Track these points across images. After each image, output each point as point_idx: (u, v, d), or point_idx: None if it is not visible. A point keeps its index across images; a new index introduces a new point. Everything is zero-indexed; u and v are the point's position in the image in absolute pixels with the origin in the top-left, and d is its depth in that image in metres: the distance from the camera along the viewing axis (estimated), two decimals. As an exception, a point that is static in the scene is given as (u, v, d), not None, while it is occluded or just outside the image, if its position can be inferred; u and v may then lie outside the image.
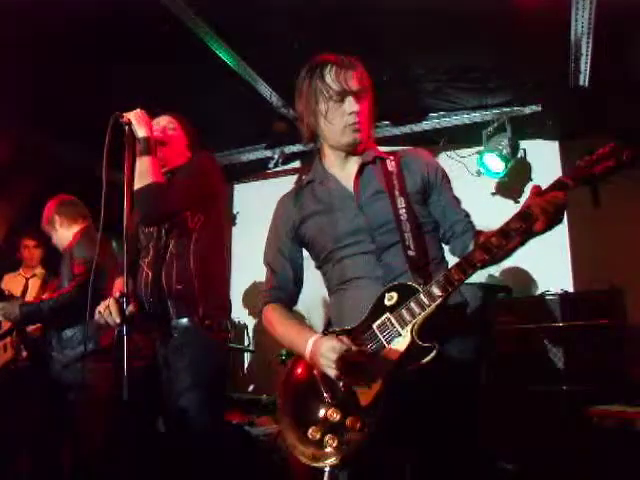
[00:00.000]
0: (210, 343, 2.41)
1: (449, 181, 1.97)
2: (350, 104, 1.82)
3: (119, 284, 2.44)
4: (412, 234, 1.78)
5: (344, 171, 1.94)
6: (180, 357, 2.34)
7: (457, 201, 1.95)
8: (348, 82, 1.83)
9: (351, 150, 1.92)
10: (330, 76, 1.84)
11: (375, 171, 1.91)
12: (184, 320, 2.39)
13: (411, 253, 1.77)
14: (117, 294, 2.22)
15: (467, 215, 1.93)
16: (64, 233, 3.55)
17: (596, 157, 1.57)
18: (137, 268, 2.50)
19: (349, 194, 1.89)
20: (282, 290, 2.00)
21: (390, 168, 1.89)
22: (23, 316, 3.31)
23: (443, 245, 1.94)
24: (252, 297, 5.51)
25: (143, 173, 2.27)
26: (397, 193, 1.84)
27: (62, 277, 3.47)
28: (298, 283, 2.03)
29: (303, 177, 2.06)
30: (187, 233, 2.45)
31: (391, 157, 1.93)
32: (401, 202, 1.82)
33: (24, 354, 3.79)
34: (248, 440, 3.37)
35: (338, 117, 1.84)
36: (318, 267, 2.01)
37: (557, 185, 1.58)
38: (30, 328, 3.63)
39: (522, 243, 1.69)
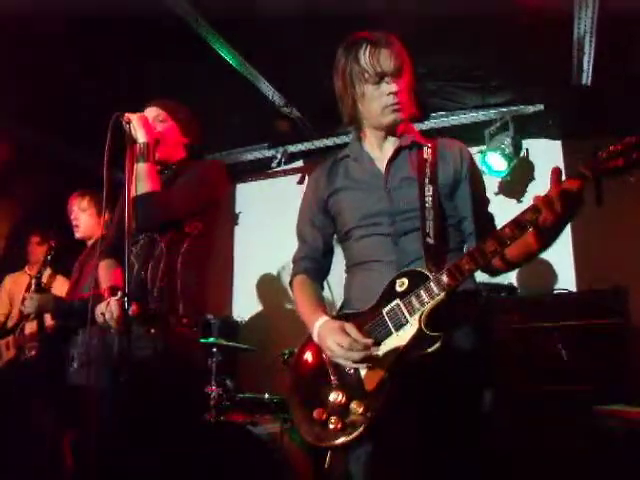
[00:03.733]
0: (186, 340, 2.41)
1: (480, 180, 1.95)
2: (387, 85, 1.82)
3: (113, 277, 2.44)
4: (434, 223, 1.76)
5: (380, 152, 1.94)
6: (155, 351, 2.33)
7: (482, 201, 1.92)
8: (383, 62, 1.81)
9: (391, 130, 1.91)
10: (365, 57, 1.82)
11: (410, 156, 1.90)
12: (163, 316, 2.37)
13: (429, 241, 1.75)
14: (119, 294, 2.22)
15: (488, 218, 1.90)
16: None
17: (621, 148, 1.46)
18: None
19: (380, 175, 1.89)
20: (311, 260, 2.03)
21: (426, 156, 1.88)
22: (54, 311, 3.32)
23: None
24: (254, 296, 5.52)
25: (140, 180, 2.27)
26: (427, 181, 1.82)
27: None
28: (328, 253, 2.06)
29: (339, 152, 2.06)
30: (181, 236, 2.44)
31: (429, 144, 1.91)
32: (429, 190, 1.80)
33: (32, 353, 3.80)
34: (250, 439, 3.37)
35: (376, 99, 1.84)
36: (339, 242, 2.02)
37: (577, 175, 1.52)
38: (48, 324, 3.63)
39: (544, 243, 1.63)
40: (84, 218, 3.61)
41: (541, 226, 1.54)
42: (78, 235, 3.65)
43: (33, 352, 3.78)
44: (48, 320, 3.63)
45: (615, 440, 2.78)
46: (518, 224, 1.56)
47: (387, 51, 1.82)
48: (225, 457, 3.26)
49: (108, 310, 2.24)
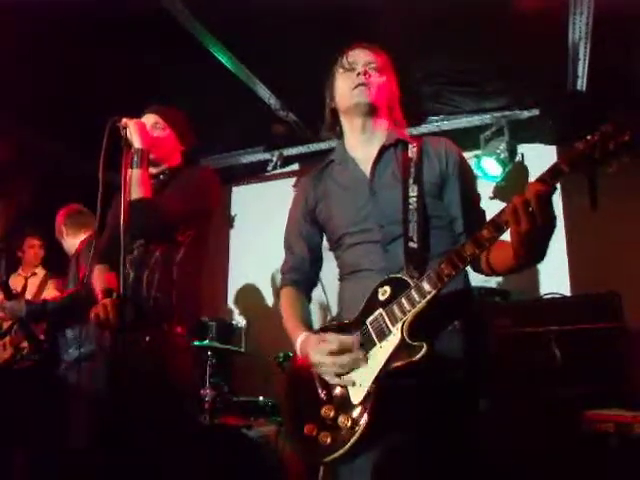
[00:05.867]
0: (179, 348, 2.41)
1: (468, 175, 1.90)
2: (358, 67, 1.89)
3: (107, 281, 2.45)
4: (417, 226, 1.71)
5: (364, 154, 1.91)
6: (148, 360, 2.33)
7: (473, 198, 1.86)
8: (358, 56, 1.91)
9: (365, 113, 1.89)
10: (347, 55, 1.93)
11: (394, 156, 1.87)
12: (158, 325, 2.38)
13: (412, 245, 1.70)
14: (114, 295, 2.23)
15: (480, 215, 1.82)
16: (71, 241, 3.70)
17: (598, 138, 1.38)
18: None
19: (364, 178, 1.86)
20: (298, 271, 2.02)
21: (410, 154, 1.84)
22: (28, 314, 3.36)
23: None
24: (249, 299, 5.52)
25: (132, 186, 2.28)
26: (411, 181, 1.78)
27: (69, 281, 3.56)
28: (316, 263, 2.04)
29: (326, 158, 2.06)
30: (175, 245, 2.45)
31: (414, 143, 1.88)
32: (413, 191, 1.76)
33: (24, 351, 3.84)
34: (245, 442, 3.36)
35: (348, 80, 1.89)
36: (330, 250, 1.99)
37: (552, 171, 1.45)
38: (35, 326, 3.67)
39: (525, 255, 1.48)
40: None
41: (520, 232, 1.43)
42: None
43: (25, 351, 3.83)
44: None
45: (609, 444, 2.78)
46: (495, 225, 1.49)
47: (364, 50, 1.93)
48: (219, 460, 3.26)
49: (102, 311, 2.24)
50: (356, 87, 1.86)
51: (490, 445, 1.74)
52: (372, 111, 1.90)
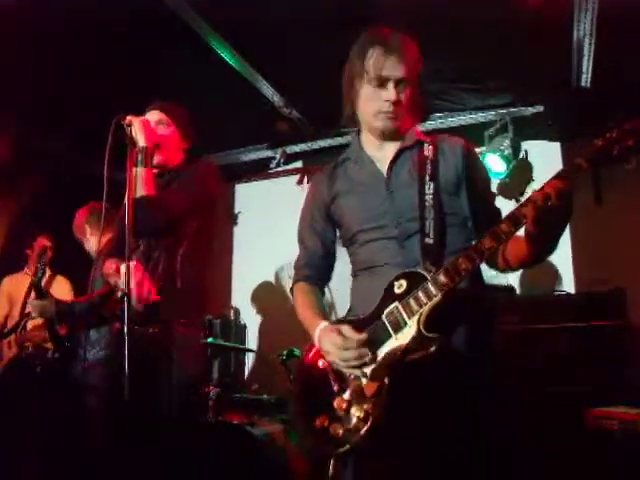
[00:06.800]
0: (186, 338, 2.40)
1: (483, 175, 1.93)
2: (386, 92, 1.78)
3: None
4: (434, 222, 1.73)
5: (381, 152, 1.92)
6: (156, 351, 2.33)
7: (488, 196, 1.90)
8: (390, 68, 1.78)
9: (385, 133, 1.88)
10: (372, 58, 1.79)
11: (411, 155, 1.88)
12: (163, 315, 2.38)
13: (428, 241, 1.72)
14: (118, 294, 2.23)
15: (495, 213, 1.85)
16: (95, 240, 3.64)
17: (617, 134, 1.41)
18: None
19: (381, 177, 1.87)
20: (311, 267, 2.02)
21: (426, 152, 1.85)
22: (57, 314, 3.36)
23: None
24: (253, 297, 5.52)
25: (138, 184, 2.28)
26: (427, 179, 1.79)
27: (93, 280, 3.55)
28: (329, 259, 2.05)
29: (340, 155, 2.04)
30: (179, 236, 2.46)
31: (429, 141, 1.89)
32: (429, 189, 1.78)
33: (28, 349, 3.85)
34: (249, 440, 3.37)
35: (374, 101, 1.82)
36: (344, 246, 1.99)
37: (571, 167, 1.47)
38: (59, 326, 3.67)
39: (540, 247, 1.61)
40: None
41: (540, 226, 1.51)
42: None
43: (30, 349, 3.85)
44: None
45: (613, 442, 2.78)
46: (514, 219, 1.54)
47: (397, 57, 1.78)
48: (223, 457, 3.26)
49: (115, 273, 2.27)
50: (381, 114, 1.82)
51: (494, 442, 1.74)
52: (394, 132, 1.89)
